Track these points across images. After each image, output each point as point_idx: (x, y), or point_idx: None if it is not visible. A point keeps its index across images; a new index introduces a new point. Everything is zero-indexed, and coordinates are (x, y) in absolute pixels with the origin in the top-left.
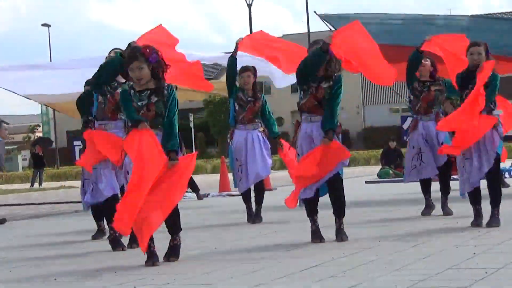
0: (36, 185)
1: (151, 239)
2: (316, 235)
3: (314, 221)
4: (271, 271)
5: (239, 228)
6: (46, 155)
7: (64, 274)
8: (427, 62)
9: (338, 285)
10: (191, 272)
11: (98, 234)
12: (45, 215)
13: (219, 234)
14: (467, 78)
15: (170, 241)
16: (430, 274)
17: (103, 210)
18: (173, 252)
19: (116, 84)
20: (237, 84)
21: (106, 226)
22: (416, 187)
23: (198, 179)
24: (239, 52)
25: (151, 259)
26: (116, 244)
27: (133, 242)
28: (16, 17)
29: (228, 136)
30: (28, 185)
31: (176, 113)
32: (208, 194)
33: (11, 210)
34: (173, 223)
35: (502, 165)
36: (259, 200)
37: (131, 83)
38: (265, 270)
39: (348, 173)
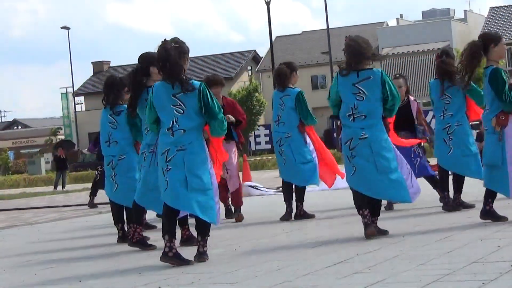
0: (59, 187)
1: (173, 241)
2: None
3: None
4: (296, 268)
5: (262, 226)
6: (69, 158)
7: (89, 276)
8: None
9: (363, 281)
10: (216, 271)
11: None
12: (69, 217)
13: (243, 232)
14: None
15: (205, 247)
16: (455, 268)
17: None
18: (203, 256)
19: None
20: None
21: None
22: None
23: None
24: None
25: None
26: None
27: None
28: (35, 20)
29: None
30: (51, 188)
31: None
32: None
33: (35, 213)
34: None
35: None
36: (299, 197)
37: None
38: (290, 267)
39: None
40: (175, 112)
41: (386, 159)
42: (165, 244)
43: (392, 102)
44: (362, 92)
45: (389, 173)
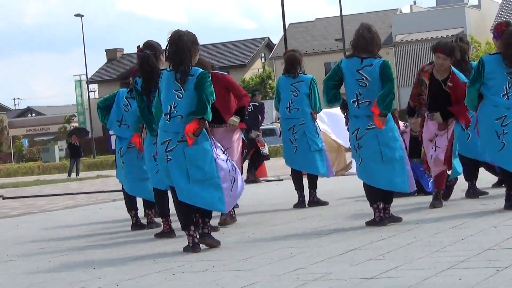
0: (73, 175)
1: (194, 228)
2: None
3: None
4: (309, 255)
5: (276, 213)
6: (83, 145)
7: (103, 263)
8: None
9: (377, 268)
10: (229, 258)
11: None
12: (83, 204)
13: (256, 219)
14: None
15: (204, 229)
16: (469, 255)
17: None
18: (203, 238)
19: None
20: None
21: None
22: None
23: None
24: None
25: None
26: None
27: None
28: (48, 8)
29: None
30: (65, 175)
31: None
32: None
33: (49, 200)
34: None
35: None
36: (312, 185)
37: None
38: (303, 254)
39: None
40: (176, 97)
41: (391, 148)
42: (192, 235)
43: (387, 89)
44: (364, 79)
45: (394, 162)
